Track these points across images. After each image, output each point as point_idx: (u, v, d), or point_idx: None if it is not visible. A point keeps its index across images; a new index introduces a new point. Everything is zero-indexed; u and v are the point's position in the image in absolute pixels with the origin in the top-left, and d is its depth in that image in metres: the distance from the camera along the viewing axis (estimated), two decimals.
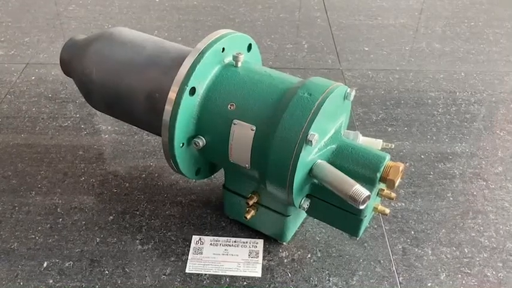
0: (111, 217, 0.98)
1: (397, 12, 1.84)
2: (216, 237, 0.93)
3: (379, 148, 0.84)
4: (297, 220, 0.93)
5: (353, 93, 0.80)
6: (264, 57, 0.82)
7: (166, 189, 1.04)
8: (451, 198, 1.04)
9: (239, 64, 0.82)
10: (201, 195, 1.03)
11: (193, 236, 0.94)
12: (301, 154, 0.72)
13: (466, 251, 0.92)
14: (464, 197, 1.04)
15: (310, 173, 0.77)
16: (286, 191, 0.76)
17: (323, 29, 1.71)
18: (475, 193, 1.05)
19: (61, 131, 1.21)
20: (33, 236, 0.94)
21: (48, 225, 0.96)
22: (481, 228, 0.97)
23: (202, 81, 0.80)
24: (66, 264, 0.89)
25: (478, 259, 0.91)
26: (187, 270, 0.88)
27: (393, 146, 0.85)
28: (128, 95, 0.89)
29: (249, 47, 0.89)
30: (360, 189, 0.71)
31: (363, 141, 0.84)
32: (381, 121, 1.26)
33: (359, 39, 1.65)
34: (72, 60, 0.98)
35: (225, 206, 0.95)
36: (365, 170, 0.76)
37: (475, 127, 1.25)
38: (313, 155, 0.76)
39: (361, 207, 0.72)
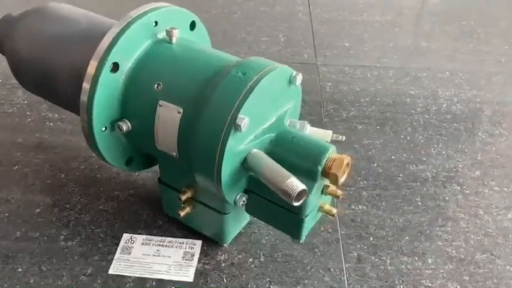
0: (38, 210, 0.90)
1: (385, 9, 1.76)
2: (149, 236, 0.85)
3: (328, 140, 0.75)
4: (240, 220, 0.85)
5: (299, 77, 0.72)
6: (235, 50, 0.75)
7: (105, 183, 0.96)
8: (420, 203, 0.95)
9: (173, 40, 0.74)
10: (141, 190, 0.94)
11: (124, 234, 0.85)
12: (228, 141, 0.64)
13: (430, 262, 0.83)
14: (435, 202, 0.95)
15: (244, 164, 0.68)
16: (215, 185, 0.68)
17: (303, 23, 1.63)
18: (447, 198, 0.96)
19: (4, 118, 1.13)
20: None
21: None
22: (450, 237, 0.88)
23: (127, 56, 0.72)
24: None
25: (441, 271, 0.82)
26: (110, 271, 0.79)
27: (344, 138, 0.76)
28: (55, 73, 0.81)
29: (193, 25, 0.81)
30: (294, 183, 0.63)
31: (310, 132, 0.75)
32: (352, 118, 1.18)
33: (340, 35, 1.57)
34: (5, 38, 0.90)
35: (162, 202, 0.87)
36: (305, 162, 0.68)
37: (455, 128, 1.16)
38: (246, 143, 0.67)
39: (295, 203, 0.63)
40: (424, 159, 1.06)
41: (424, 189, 0.98)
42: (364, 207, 0.93)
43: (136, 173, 0.97)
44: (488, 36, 1.60)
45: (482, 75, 1.38)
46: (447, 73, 1.39)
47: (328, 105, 1.22)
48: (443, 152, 1.08)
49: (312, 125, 0.77)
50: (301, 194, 0.63)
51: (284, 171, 0.65)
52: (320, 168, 0.67)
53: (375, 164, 1.04)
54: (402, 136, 1.13)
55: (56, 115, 1.14)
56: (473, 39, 1.57)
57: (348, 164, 0.68)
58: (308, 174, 0.67)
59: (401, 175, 1.01)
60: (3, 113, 1.15)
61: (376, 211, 0.92)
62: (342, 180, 0.68)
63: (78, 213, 0.89)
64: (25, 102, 1.19)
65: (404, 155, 1.07)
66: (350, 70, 1.38)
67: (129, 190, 0.94)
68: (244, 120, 0.63)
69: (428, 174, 1.02)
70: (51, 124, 1.11)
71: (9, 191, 0.93)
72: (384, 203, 0.94)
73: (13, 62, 0.88)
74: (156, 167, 0.84)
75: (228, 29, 1.54)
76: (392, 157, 1.06)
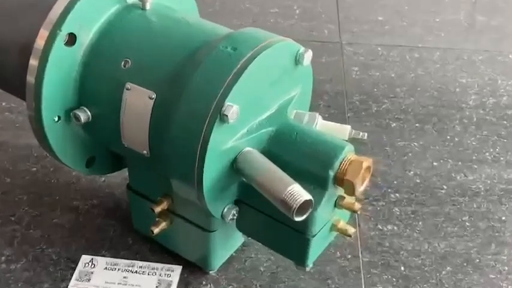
0: None
1: None
2: (115, 260, 0.85)
3: (346, 138, 0.75)
4: (231, 240, 0.84)
5: (308, 55, 0.71)
6: (236, 24, 0.75)
7: (61, 189, 0.96)
8: (468, 224, 0.94)
9: (147, 6, 0.74)
10: (107, 199, 0.95)
11: (82, 256, 0.85)
12: (212, 135, 0.63)
13: None
14: (488, 222, 0.95)
15: (234, 166, 0.68)
16: (196, 193, 0.67)
17: None
18: (503, 218, 0.95)
19: None
20: None
21: None
22: (505, 268, 0.87)
23: (87, 26, 0.72)
24: None
25: None
26: None
27: (366, 136, 0.75)
28: None
29: None
30: (297, 191, 0.62)
31: (322, 126, 0.74)
32: (384, 113, 1.17)
33: (373, 6, 1.57)
34: None
35: (132, 216, 0.87)
36: (313, 165, 0.67)
37: None
38: (236, 139, 0.67)
39: (297, 218, 0.62)
40: (476, 167, 1.05)
41: (475, 206, 0.97)
42: (395, 228, 0.92)
43: (102, 178, 0.98)
44: None
45: None
46: (510, 56, 1.38)
47: (353, 96, 1.21)
48: (502, 158, 1.08)
49: (330, 120, 0.77)
50: (305, 206, 0.62)
51: (284, 177, 0.64)
52: (332, 174, 0.66)
53: (411, 173, 1.03)
54: (448, 137, 1.12)
55: (4, 103, 1.15)
56: None
57: (368, 169, 0.67)
58: (316, 181, 0.67)
59: (445, 187, 1.01)
60: None
61: (410, 233, 0.92)
62: (360, 189, 0.67)
63: (26, 228, 0.90)
64: None
65: (450, 161, 1.06)
66: (384, 51, 1.37)
67: (92, 200, 0.95)
68: (232, 108, 0.62)
69: (480, 186, 1.01)
70: None
71: None
72: (420, 223, 0.93)
73: None
74: (126, 171, 0.84)
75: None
76: (435, 164, 1.06)
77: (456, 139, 1.12)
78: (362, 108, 1.18)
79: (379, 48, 1.38)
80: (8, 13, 0.81)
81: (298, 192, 0.62)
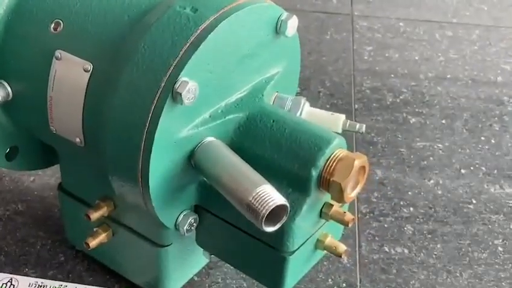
0: None
1: None
2: (41, 280, 0.86)
3: (339, 130, 0.76)
4: (191, 259, 0.85)
5: (292, 22, 0.72)
6: None
7: None
8: (501, 249, 0.95)
9: None
10: (36, 204, 0.97)
11: (0, 274, 0.86)
12: (162, 119, 0.64)
13: None
14: None
15: (192, 160, 0.69)
16: (141, 194, 0.68)
17: None
18: None
19: None
20: None
21: None
22: None
23: None
24: None
25: None
26: None
27: (364, 127, 0.76)
28: None
29: None
30: (266, 193, 0.62)
31: (308, 114, 0.76)
32: (402, 105, 1.19)
33: None
34: None
35: (65, 224, 0.88)
36: (292, 162, 0.68)
37: None
38: (194, 125, 0.68)
39: (267, 228, 0.63)
40: None
41: (511, 227, 0.98)
42: (406, 251, 0.94)
43: (31, 178, 0.99)
44: None
45: None
46: None
47: (363, 83, 1.23)
48: None
49: (333, 111, 0.78)
50: (278, 214, 0.63)
51: (253, 175, 0.65)
52: (315, 173, 0.67)
53: (432, 182, 1.04)
54: (483, 138, 1.14)
55: None
56: None
57: (363, 169, 0.68)
58: (295, 183, 0.68)
59: (474, 201, 1.02)
60: None
61: (425, 258, 0.93)
62: (351, 195, 0.68)
63: None
64: None
65: (483, 168, 1.08)
66: (407, 27, 1.39)
67: (17, 204, 0.96)
68: (188, 85, 0.63)
69: None
70: None
71: None
72: (439, 246, 0.95)
73: None
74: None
75: None
76: (463, 171, 1.07)
77: (493, 141, 1.13)
78: (374, 98, 1.20)
79: (401, 24, 1.40)
80: None
81: (269, 195, 0.62)
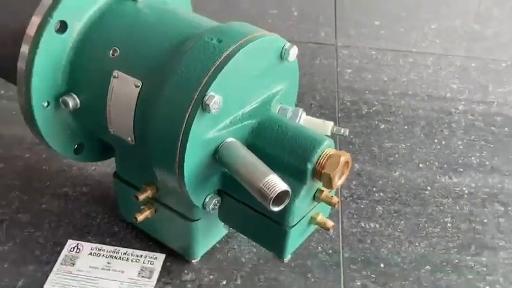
0: None
1: None
2: (100, 245, 0.85)
3: (328, 133, 0.75)
4: (215, 230, 0.84)
5: (293, 51, 0.71)
6: None
7: (52, 176, 0.96)
8: (449, 225, 0.94)
9: None
10: (96, 188, 0.95)
11: (68, 241, 0.85)
12: (194, 124, 0.63)
13: None
14: (469, 224, 0.94)
15: (216, 156, 0.68)
16: (177, 181, 0.68)
17: None
18: (485, 220, 0.95)
19: None
20: None
21: None
22: (484, 269, 0.87)
23: (78, 14, 0.72)
24: None
25: None
26: (46, 285, 0.79)
27: (347, 132, 0.75)
28: None
29: None
30: (274, 181, 0.62)
31: (304, 122, 0.74)
32: (374, 115, 1.17)
33: (370, 11, 1.57)
34: None
35: (119, 203, 0.87)
36: (292, 157, 0.67)
37: (506, 134, 1.15)
38: (219, 129, 0.67)
39: (274, 208, 0.62)
40: (461, 170, 1.05)
41: (457, 208, 0.97)
42: (377, 226, 0.92)
43: (93, 167, 0.98)
44: None
45: None
46: (503, 65, 1.37)
47: (345, 97, 1.21)
48: (487, 163, 1.07)
49: (322, 119, 0.77)
50: (282, 197, 0.62)
51: (263, 167, 0.64)
52: (310, 167, 0.66)
53: (397, 173, 1.03)
54: (436, 140, 1.12)
55: (2, 91, 1.15)
56: None
57: (347, 163, 0.67)
58: (295, 174, 0.67)
59: (429, 188, 1.00)
60: None
61: (391, 231, 0.91)
62: (338, 183, 0.67)
63: (15, 212, 0.90)
64: None
65: (436, 163, 1.06)
66: (378, 55, 1.37)
67: (82, 187, 0.95)
68: (214, 98, 0.62)
69: (464, 189, 1.01)
70: None
71: None
72: (402, 222, 0.93)
73: None
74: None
75: None
76: (421, 165, 1.05)
77: (443, 142, 1.11)
78: (353, 109, 1.18)
79: (374, 52, 1.38)
80: (3, 2, 0.82)
81: (276, 183, 0.62)
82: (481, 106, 1.23)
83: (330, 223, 0.73)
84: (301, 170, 0.66)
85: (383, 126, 1.14)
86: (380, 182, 1.00)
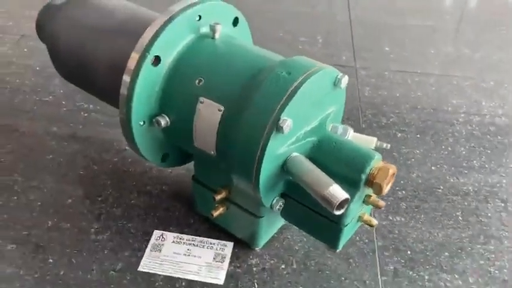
0: (70, 200, 0.89)
1: (425, 13, 1.70)
2: (180, 235, 0.83)
3: (372, 147, 0.72)
4: (274, 224, 0.82)
5: (345, 80, 0.68)
6: (272, 49, 0.73)
7: (137, 177, 0.94)
8: (460, 218, 0.90)
9: (216, 35, 0.72)
10: (173, 186, 0.93)
11: (154, 231, 0.83)
12: (270, 142, 0.61)
13: (471, 281, 0.79)
14: (477, 218, 0.91)
15: (284, 167, 0.66)
16: (252, 187, 0.65)
17: (342, 26, 1.59)
18: (489, 215, 0.92)
19: (40, 105, 1.13)
20: None
21: (1, 202, 0.88)
22: (492, 256, 0.83)
23: (169, 50, 0.70)
24: (9, 247, 0.80)
25: None
26: (139, 268, 0.77)
27: (389, 146, 0.73)
28: (94, 64, 0.79)
29: (235, 22, 0.78)
30: (336, 191, 0.60)
31: (353, 137, 0.72)
32: (391, 125, 1.13)
33: (380, 39, 1.52)
34: (45, 25, 0.89)
35: (195, 200, 0.85)
36: (348, 169, 0.64)
37: (499, 141, 1.11)
38: (287, 145, 0.65)
39: (337, 212, 0.60)
40: (466, 172, 1.01)
41: (465, 204, 0.94)
42: (402, 219, 0.89)
43: (169, 170, 0.96)
44: None
45: None
46: (491, 83, 1.33)
47: (367, 110, 1.18)
48: (486, 166, 1.03)
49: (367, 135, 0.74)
50: (343, 203, 0.60)
51: (326, 178, 0.62)
52: (364, 177, 0.63)
53: (414, 174, 0.99)
54: (443, 146, 1.08)
55: (91, 106, 1.13)
56: None
57: (393, 174, 0.64)
58: (350, 183, 0.64)
59: (441, 187, 0.97)
60: (39, 100, 1.15)
61: (414, 223, 0.88)
62: (386, 190, 0.64)
63: (110, 206, 0.88)
64: (61, 91, 1.18)
65: (445, 166, 1.02)
66: (390, 75, 1.33)
67: (162, 186, 0.92)
68: (287, 121, 0.60)
69: (470, 188, 0.97)
70: (85, 115, 1.11)
71: (42, 180, 0.93)
72: (422, 216, 0.90)
73: (52, 51, 0.88)
74: (189, 164, 0.82)
75: (265, 29, 1.51)
76: (433, 168, 1.02)
77: (449, 148, 1.08)
78: (374, 120, 1.15)
79: (386, 73, 1.34)
80: (100, 36, 0.80)
81: (338, 191, 0.60)
82: (476, 118, 1.18)
83: (374, 221, 0.71)
84: (356, 179, 0.64)
85: (399, 134, 1.11)
86: (402, 182, 0.97)
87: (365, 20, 1.63)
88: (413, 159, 1.04)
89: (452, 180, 0.99)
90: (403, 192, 0.95)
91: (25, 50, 1.34)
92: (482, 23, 1.67)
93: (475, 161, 1.04)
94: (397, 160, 1.03)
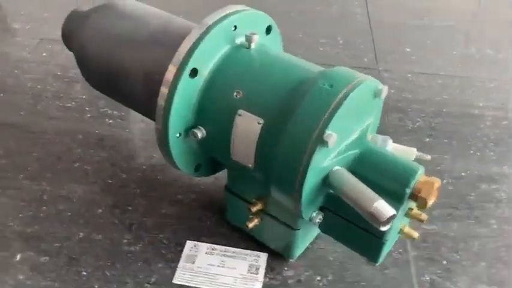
0: (100, 210, 0.88)
1: (445, 14, 1.68)
2: (213, 245, 0.82)
3: (413, 159, 0.71)
4: (308, 235, 0.81)
5: (385, 90, 0.67)
6: (293, 51, 0.72)
7: (166, 185, 0.94)
8: (495, 226, 0.89)
9: (252, 46, 0.71)
10: (204, 195, 0.92)
11: (187, 242, 0.83)
12: (314, 157, 0.60)
13: None
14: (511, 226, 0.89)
15: (325, 181, 0.65)
16: (293, 200, 0.64)
17: (362, 26, 1.57)
18: None
19: (63, 112, 1.12)
20: (12, 224, 0.85)
21: (31, 212, 0.87)
22: None
23: (206, 62, 0.69)
24: (42, 260, 0.79)
25: None
26: (174, 281, 0.77)
27: (430, 157, 0.72)
28: (124, 73, 0.79)
29: (268, 30, 0.77)
30: (383, 206, 0.59)
31: (393, 148, 0.71)
32: (418, 130, 1.12)
33: (401, 40, 1.50)
34: (71, 34, 0.89)
35: (227, 210, 0.84)
36: (392, 183, 0.63)
37: None
38: (330, 159, 0.64)
39: (383, 228, 0.59)
40: (497, 178, 1.00)
41: (499, 211, 0.92)
42: (435, 227, 0.88)
43: (198, 178, 0.95)
44: None
45: None
46: None
47: (392, 114, 1.16)
48: None
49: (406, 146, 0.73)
50: (389, 219, 0.59)
51: (370, 193, 0.61)
52: (408, 191, 0.62)
53: (445, 181, 0.98)
54: (472, 152, 1.07)
55: (116, 112, 1.12)
56: None
57: (438, 188, 0.63)
58: (394, 196, 0.63)
59: (473, 194, 0.96)
60: (62, 106, 1.14)
61: (448, 232, 0.87)
62: (430, 204, 0.63)
63: (141, 216, 0.87)
64: (84, 96, 1.17)
65: (475, 172, 1.01)
66: (413, 77, 1.31)
67: (192, 194, 0.92)
68: (332, 136, 0.59)
69: (502, 195, 0.96)
70: (110, 121, 1.10)
71: (70, 189, 0.92)
72: (455, 224, 0.89)
73: (80, 60, 0.87)
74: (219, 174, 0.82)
75: (285, 30, 1.49)
76: (462, 174, 1.00)
77: (478, 154, 1.06)
78: (400, 125, 1.13)
79: (409, 75, 1.32)
80: (131, 45, 0.79)
81: (385, 208, 0.59)
82: (504, 122, 1.17)
83: (415, 234, 0.70)
84: (400, 193, 0.63)
85: (427, 139, 1.09)
86: None
87: (384, 19, 1.61)
88: (442, 165, 1.02)
89: (483, 186, 0.98)
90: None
91: (44, 54, 1.33)
92: (505, 23, 1.65)
93: (505, 167, 1.03)
94: (427, 166, 1.01)
